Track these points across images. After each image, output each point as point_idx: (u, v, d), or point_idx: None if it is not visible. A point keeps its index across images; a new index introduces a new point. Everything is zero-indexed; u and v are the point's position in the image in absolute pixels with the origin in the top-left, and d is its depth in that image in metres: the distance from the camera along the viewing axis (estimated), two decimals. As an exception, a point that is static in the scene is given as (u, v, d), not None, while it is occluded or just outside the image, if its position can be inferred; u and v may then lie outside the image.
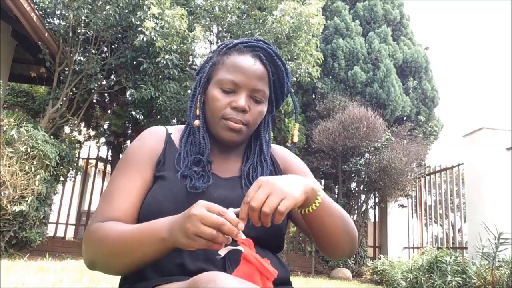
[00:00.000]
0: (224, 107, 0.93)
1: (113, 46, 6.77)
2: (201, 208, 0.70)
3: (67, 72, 6.16)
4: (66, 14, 6.01)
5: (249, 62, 0.94)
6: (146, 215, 0.87)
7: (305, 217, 0.87)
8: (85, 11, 5.88)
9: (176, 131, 1.03)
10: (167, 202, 0.88)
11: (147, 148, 0.97)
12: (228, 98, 0.93)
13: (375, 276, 6.33)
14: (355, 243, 0.96)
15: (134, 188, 0.91)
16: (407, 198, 7.87)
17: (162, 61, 5.91)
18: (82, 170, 7.82)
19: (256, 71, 0.94)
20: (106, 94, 7.50)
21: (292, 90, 1.02)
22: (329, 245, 0.93)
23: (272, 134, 7.50)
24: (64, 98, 6.12)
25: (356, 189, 7.88)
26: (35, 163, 4.79)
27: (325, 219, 0.87)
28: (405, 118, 8.63)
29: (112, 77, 7.08)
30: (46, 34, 5.86)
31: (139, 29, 5.94)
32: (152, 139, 0.99)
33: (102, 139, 8.08)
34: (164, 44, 5.91)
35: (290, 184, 0.77)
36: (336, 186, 7.93)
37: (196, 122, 0.96)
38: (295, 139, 1.05)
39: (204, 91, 0.98)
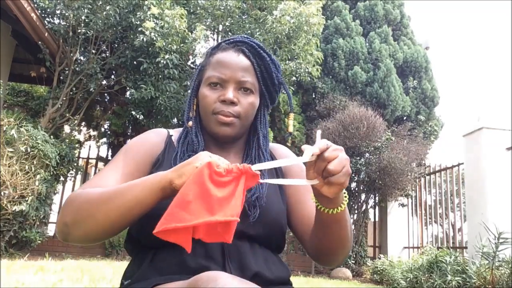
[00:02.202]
0: (214, 102, 0.95)
1: (113, 46, 6.77)
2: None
3: (67, 72, 6.16)
4: (66, 14, 6.00)
5: (232, 56, 0.97)
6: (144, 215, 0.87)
7: (327, 219, 0.83)
8: (85, 11, 5.88)
9: (176, 133, 1.06)
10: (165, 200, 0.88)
11: (148, 143, 0.99)
12: (217, 94, 0.96)
13: (375, 275, 6.33)
14: (348, 253, 0.97)
15: (126, 169, 0.92)
16: (407, 198, 7.87)
17: (162, 61, 5.91)
18: (82, 170, 7.82)
19: (240, 63, 0.97)
20: (106, 94, 7.50)
21: (285, 82, 1.04)
22: (329, 252, 0.92)
23: (272, 133, 7.51)
24: (64, 98, 6.11)
25: (356, 188, 7.87)
26: (35, 163, 4.79)
27: (342, 225, 0.85)
28: (405, 118, 8.63)
29: (112, 77, 7.08)
30: (46, 34, 5.86)
31: (139, 29, 5.94)
32: (154, 138, 1.02)
33: (103, 139, 8.08)
34: (164, 44, 5.91)
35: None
36: (336, 186, 7.91)
37: (189, 123, 1.00)
38: (290, 129, 1.07)
39: (197, 95, 1.01)
